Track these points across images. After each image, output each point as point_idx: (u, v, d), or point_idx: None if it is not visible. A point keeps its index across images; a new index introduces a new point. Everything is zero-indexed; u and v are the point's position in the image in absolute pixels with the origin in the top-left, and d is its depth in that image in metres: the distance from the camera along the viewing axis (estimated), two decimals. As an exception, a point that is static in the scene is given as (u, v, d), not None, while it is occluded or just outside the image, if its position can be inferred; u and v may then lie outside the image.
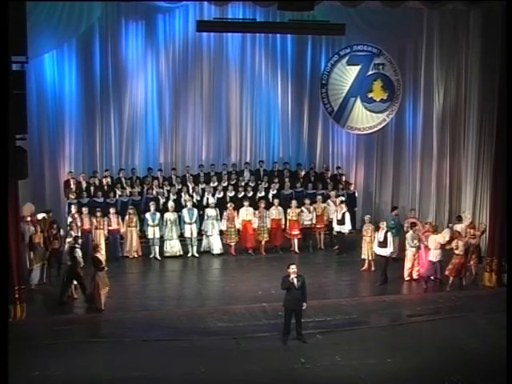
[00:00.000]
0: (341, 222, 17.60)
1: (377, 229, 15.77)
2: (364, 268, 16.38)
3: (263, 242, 17.65)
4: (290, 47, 20.06)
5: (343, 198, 18.46)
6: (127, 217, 17.11)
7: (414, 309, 14.06)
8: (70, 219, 16.38)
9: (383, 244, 15.35)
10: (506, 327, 10.53)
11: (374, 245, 15.67)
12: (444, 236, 15.69)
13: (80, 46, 18.40)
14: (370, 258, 16.19)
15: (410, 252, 15.57)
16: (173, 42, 19.32)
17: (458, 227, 16.26)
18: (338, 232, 17.82)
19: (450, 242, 15.39)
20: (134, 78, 19.19)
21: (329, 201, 18.35)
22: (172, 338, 12.36)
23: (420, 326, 13.18)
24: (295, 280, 11.94)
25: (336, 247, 18.03)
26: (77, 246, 14.24)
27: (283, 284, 12.04)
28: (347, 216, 17.62)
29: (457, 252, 15.07)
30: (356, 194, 19.59)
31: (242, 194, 18.65)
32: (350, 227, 17.67)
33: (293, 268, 11.98)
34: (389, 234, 15.45)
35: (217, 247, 17.45)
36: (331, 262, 17.44)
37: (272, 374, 10.98)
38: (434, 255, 15.34)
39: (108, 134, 19.30)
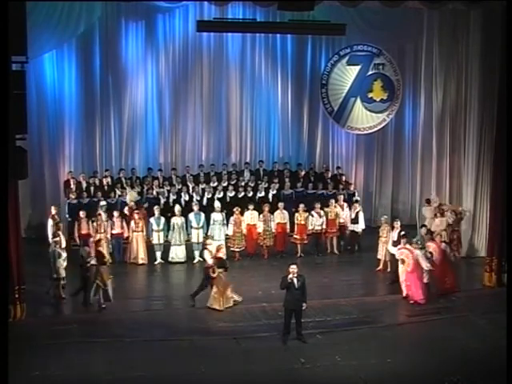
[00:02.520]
0: (354, 220, 17.68)
1: (391, 228, 15.81)
2: (379, 268, 16.34)
3: (264, 247, 17.44)
4: (290, 47, 20.07)
5: (358, 198, 18.61)
6: (133, 222, 16.86)
7: (414, 309, 14.03)
8: (50, 221, 16.02)
9: (397, 243, 15.32)
10: (506, 327, 10.53)
11: (389, 244, 15.66)
12: (450, 217, 16.31)
13: (80, 46, 18.42)
14: (386, 258, 16.10)
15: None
16: (173, 42, 19.35)
17: (428, 209, 17.15)
18: (351, 231, 17.86)
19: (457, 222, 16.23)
20: (134, 78, 19.21)
21: (336, 204, 18.07)
22: (172, 338, 12.36)
23: (420, 326, 13.19)
24: (295, 280, 11.94)
25: (349, 247, 18.01)
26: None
27: (282, 283, 12.06)
28: (361, 215, 17.71)
29: (456, 228, 16.63)
30: (356, 194, 19.57)
31: (242, 194, 18.66)
32: (363, 226, 17.71)
33: (293, 268, 12.00)
34: (402, 233, 15.40)
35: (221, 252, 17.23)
36: (332, 263, 17.42)
37: (272, 374, 10.98)
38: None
39: (108, 134, 19.31)
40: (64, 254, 14.50)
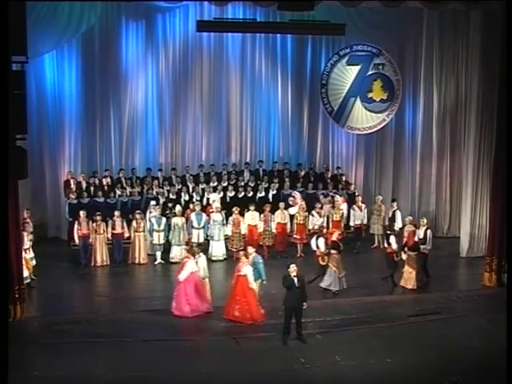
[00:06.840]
0: (391, 219, 17.75)
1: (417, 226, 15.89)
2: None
3: (264, 247, 17.32)
4: (289, 47, 20.07)
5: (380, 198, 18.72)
6: (134, 222, 16.91)
7: (414, 309, 14.05)
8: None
9: (423, 241, 15.39)
10: (506, 327, 10.52)
11: None
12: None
13: (80, 46, 18.40)
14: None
15: None
16: (173, 42, 19.34)
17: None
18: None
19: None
20: (134, 78, 19.20)
21: (354, 206, 18.18)
22: (172, 338, 12.36)
23: (420, 326, 13.17)
24: (295, 279, 11.98)
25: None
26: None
27: (284, 282, 12.10)
28: (398, 214, 17.78)
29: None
30: (356, 194, 19.56)
31: (242, 194, 18.66)
32: (400, 225, 17.45)
33: (293, 267, 12.06)
34: (428, 231, 15.50)
35: (221, 253, 17.22)
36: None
37: (272, 374, 10.97)
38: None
39: (108, 134, 19.30)
40: (30, 255, 14.68)
